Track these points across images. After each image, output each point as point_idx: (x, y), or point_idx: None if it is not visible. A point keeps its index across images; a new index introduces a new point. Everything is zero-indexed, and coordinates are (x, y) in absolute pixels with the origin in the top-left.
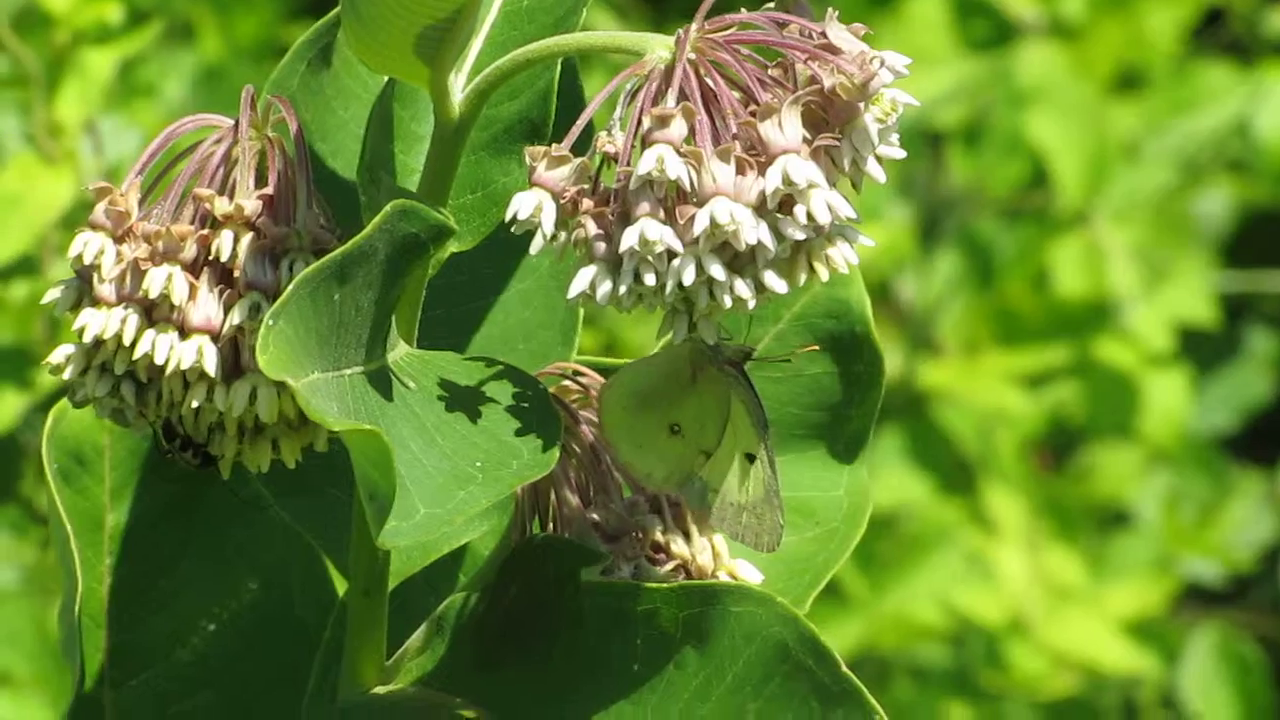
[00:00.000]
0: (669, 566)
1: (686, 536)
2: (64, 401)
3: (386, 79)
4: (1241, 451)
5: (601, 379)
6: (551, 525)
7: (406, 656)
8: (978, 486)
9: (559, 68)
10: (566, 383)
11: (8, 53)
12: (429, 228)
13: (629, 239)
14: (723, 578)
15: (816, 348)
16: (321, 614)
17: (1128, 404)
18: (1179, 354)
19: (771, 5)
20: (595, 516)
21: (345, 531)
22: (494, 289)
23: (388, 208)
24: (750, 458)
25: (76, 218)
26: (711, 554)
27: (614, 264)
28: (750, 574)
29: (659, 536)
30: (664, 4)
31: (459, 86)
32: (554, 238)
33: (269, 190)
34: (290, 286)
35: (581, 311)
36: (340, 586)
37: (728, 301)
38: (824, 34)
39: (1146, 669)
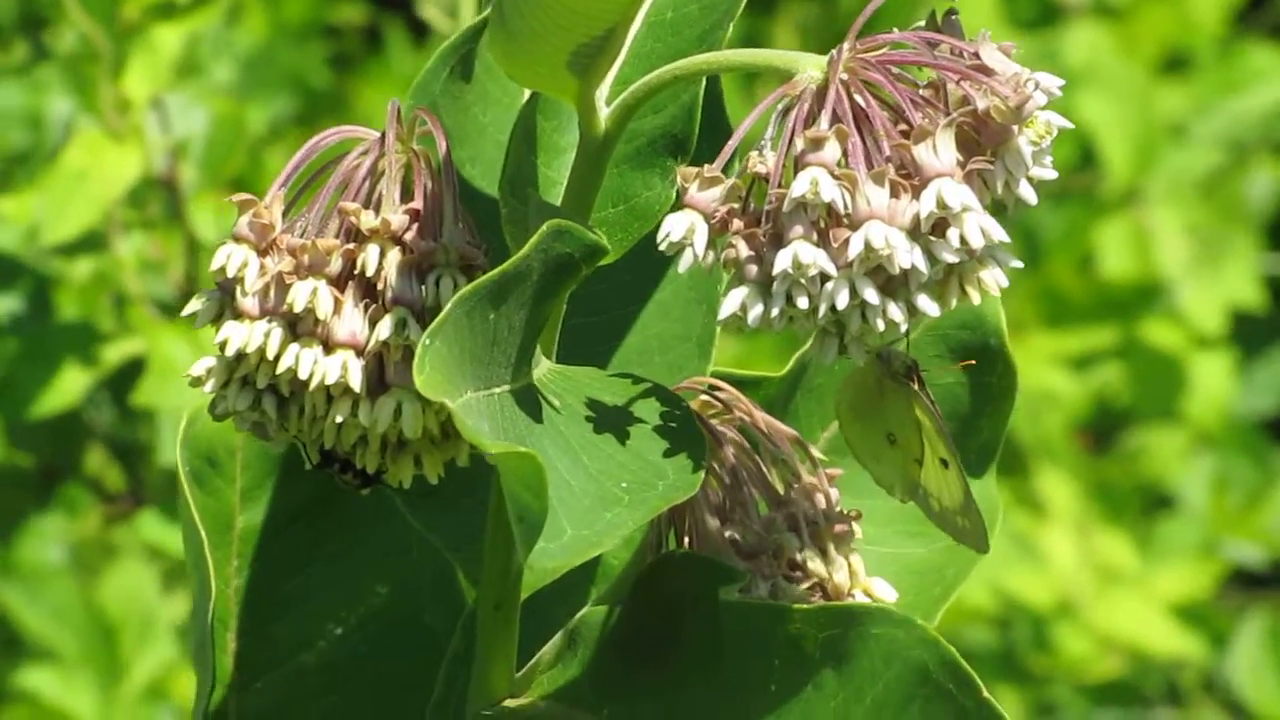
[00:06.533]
0: (806, 585)
1: (823, 555)
2: (199, 404)
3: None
4: None
5: (738, 393)
6: (688, 541)
7: (538, 669)
8: (1026, 468)
9: (704, 83)
10: (704, 397)
11: (74, 27)
12: (583, 248)
13: (782, 261)
14: (859, 596)
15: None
16: (450, 621)
17: (1173, 386)
18: (1225, 337)
19: (922, 25)
20: (732, 534)
21: (476, 541)
22: (632, 299)
23: (544, 228)
24: (944, 462)
25: (142, 194)
26: (848, 572)
27: (766, 286)
28: (886, 592)
29: (796, 555)
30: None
31: (603, 99)
32: (704, 257)
33: (415, 205)
34: (448, 306)
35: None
36: (470, 594)
37: (880, 325)
38: (976, 54)
39: (1192, 652)
